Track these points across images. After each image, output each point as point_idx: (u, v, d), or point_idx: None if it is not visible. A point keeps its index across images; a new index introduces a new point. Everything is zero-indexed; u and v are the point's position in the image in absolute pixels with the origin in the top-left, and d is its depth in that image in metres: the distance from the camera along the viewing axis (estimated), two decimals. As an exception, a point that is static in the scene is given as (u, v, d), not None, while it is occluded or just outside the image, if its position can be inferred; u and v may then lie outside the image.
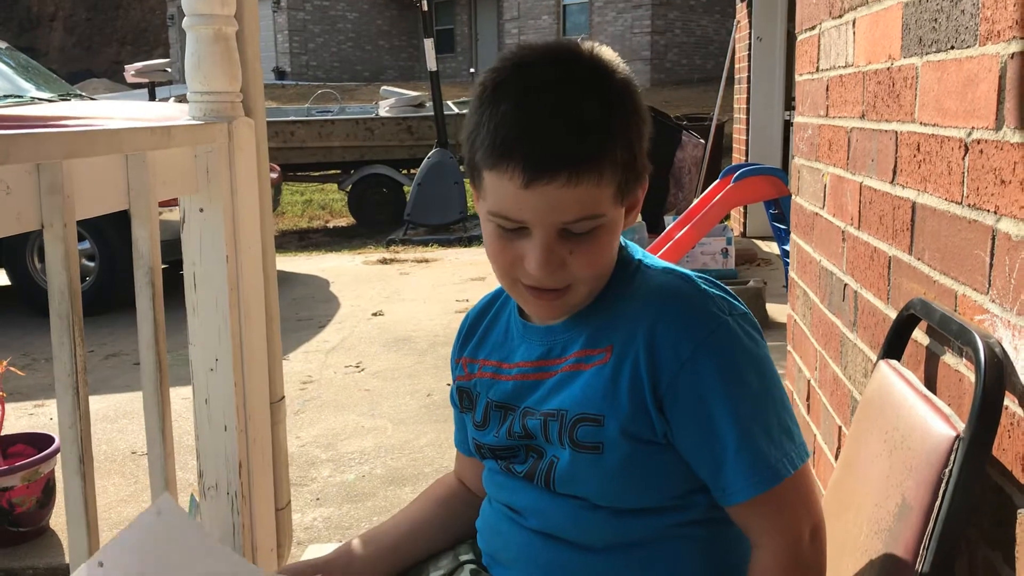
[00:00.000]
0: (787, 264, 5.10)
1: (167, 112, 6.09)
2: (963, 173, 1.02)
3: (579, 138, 0.90)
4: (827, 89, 1.70)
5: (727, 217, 5.90)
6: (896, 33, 1.27)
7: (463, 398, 1.15)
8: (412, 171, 8.85)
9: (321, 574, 1.20)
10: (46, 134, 1.14)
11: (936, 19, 1.11)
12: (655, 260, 1.06)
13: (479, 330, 1.16)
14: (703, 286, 0.99)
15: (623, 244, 1.06)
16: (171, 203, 1.64)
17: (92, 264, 5.40)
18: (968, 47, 1.01)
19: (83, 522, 1.24)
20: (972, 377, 0.97)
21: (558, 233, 0.93)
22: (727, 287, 1.01)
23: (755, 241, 6.74)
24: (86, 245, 5.38)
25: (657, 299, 0.98)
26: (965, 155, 1.02)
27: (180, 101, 9.20)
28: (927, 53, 1.15)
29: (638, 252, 1.07)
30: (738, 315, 0.97)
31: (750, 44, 6.73)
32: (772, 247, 6.32)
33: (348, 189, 9.34)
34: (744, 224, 7.02)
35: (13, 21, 28.56)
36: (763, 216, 6.07)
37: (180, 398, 2.38)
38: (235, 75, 1.65)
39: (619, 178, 0.94)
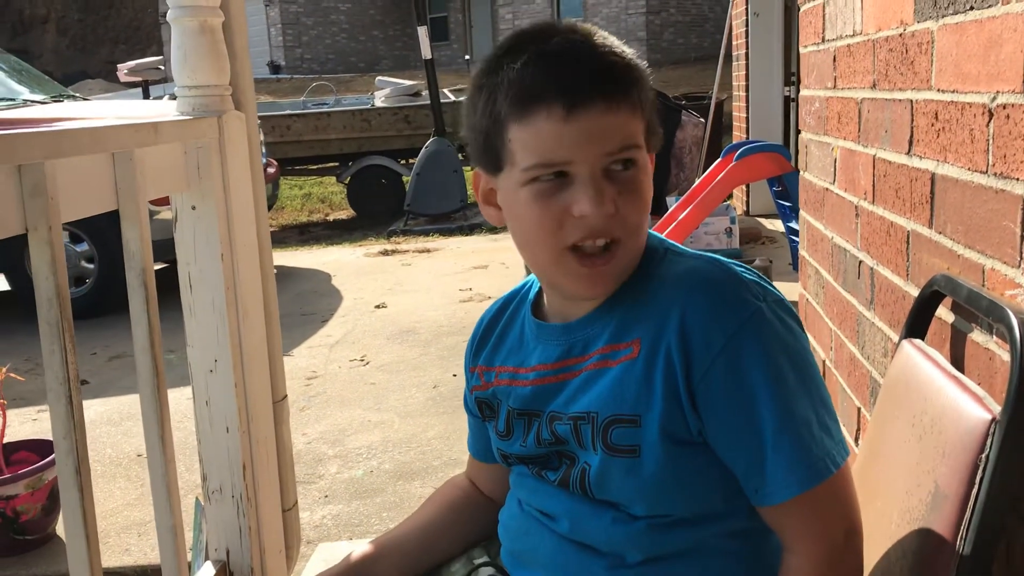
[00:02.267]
0: (793, 242, 5.05)
1: (160, 110, 6.04)
2: (988, 140, 0.97)
3: (607, 66, 0.89)
4: (834, 60, 1.64)
5: (730, 196, 5.84)
6: (908, -3, 1.21)
7: (482, 408, 1.10)
8: (410, 161, 8.79)
9: None
10: (26, 134, 1.10)
11: (953, -21, 1.06)
12: (683, 248, 1.00)
13: (493, 335, 1.11)
14: (734, 270, 0.93)
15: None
16: (166, 201, 1.60)
17: (92, 266, 5.36)
18: (990, 6, 0.96)
19: (82, 535, 1.20)
20: (1004, 355, 0.92)
21: (603, 172, 0.89)
22: (758, 272, 0.96)
23: (759, 219, 6.69)
24: (85, 247, 5.34)
25: (686, 285, 0.92)
26: (989, 121, 0.97)
27: (175, 99, 9.14)
28: (943, 16, 1.09)
29: (665, 241, 1.01)
30: (773, 301, 0.92)
31: (747, 20, 6.65)
32: (776, 225, 6.26)
33: (347, 181, 9.29)
34: (747, 203, 6.96)
35: (6, 24, 28.46)
36: (766, 194, 6.01)
37: (185, 398, 2.34)
38: (223, 68, 1.60)
39: (647, 116, 0.92)
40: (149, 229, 1.39)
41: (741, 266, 0.95)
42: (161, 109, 6.13)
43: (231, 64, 1.62)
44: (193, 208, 1.57)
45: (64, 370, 1.17)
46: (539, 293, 1.06)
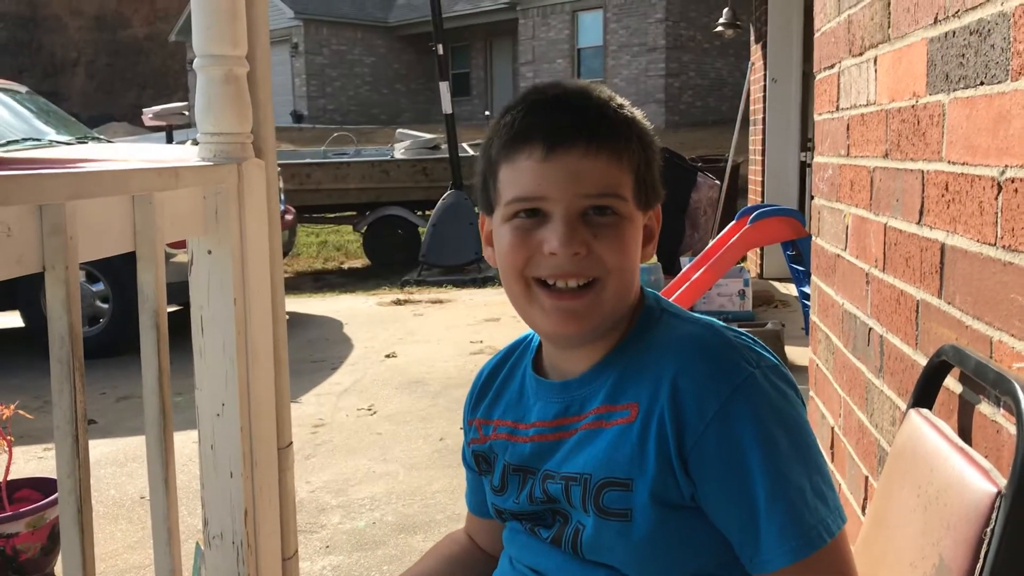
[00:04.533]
0: (805, 306, 5.05)
1: (183, 155, 6.13)
2: (996, 213, 0.98)
3: (596, 114, 0.93)
4: (848, 128, 1.66)
5: (743, 259, 5.85)
6: (921, 70, 1.23)
7: (479, 461, 1.10)
8: (427, 212, 8.87)
9: None
10: (49, 175, 1.12)
11: (963, 55, 1.07)
12: (680, 310, 1.01)
13: (492, 388, 1.11)
14: (728, 336, 0.93)
15: (643, 289, 1.02)
16: (183, 244, 1.62)
17: (106, 306, 5.40)
18: (999, 83, 0.97)
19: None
20: (1011, 428, 0.92)
21: (580, 214, 0.91)
22: (754, 337, 0.96)
23: (772, 283, 6.68)
24: (100, 286, 5.38)
25: (679, 350, 0.92)
26: (998, 194, 0.97)
27: (197, 143, 9.28)
28: (954, 90, 1.11)
29: (662, 301, 1.02)
30: (767, 367, 0.91)
31: (765, 85, 6.73)
32: (789, 289, 6.26)
33: (363, 230, 9.37)
34: (761, 266, 6.97)
35: (38, 67, 29.08)
36: (780, 257, 6.02)
37: (191, 441, 2.34)
38: (246, 116, 1.63)
39: (637, 170, 0.94)
40: (164, 272, 1.40)
41: (736, 331, 0.95)
42: (182, 154, 6.22)
43: (254, 112, 1.65)
44: (209, 252, 1.59)
45: (72, 409, 1.18)
46: (539, 347, 1.07)
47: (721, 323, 0.97)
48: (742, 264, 5.82)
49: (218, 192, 1.56)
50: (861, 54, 1.56)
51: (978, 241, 1.03)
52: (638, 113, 0.98)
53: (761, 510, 0.87)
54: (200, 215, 1.56)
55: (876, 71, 1.46)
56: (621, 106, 0.96)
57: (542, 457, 1.00)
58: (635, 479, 0.90)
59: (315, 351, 5.36)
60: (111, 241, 1.34)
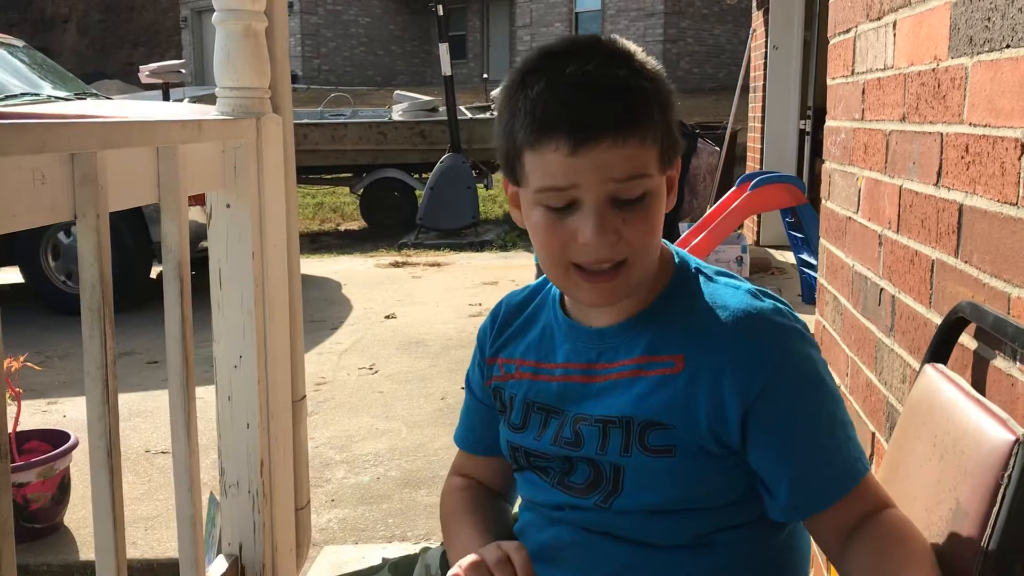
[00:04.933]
0: (803, 273, 5.08)
1: (182, 111, 6.10)
2: (1018, 173, 1.00)
3: (617, 99, 0.92)
4: (863, 92, 1.68)
5: (741, 226, 5.87)
6: (943, 34, 1.24)
7: (497, 398, 1.12)
8: (424, 175, 8.84)
9: None
10: (82, 123, 1.13)
11: (990, 18, 1.09)
12: (710, 267, 1.05)
13: (514, 326, 1.13)
14: (764, 297, 1.00)
15: (667, 246, 1.04)
16: (197, 201, 1.64)
17: (106, 263, 5.39)
18: (1026, 45, 0.99)
19: (110, 517, 1.22)
20: (1028, 381, 0.95)
21: (609, 200, 0.93)
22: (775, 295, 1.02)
23: (769, 250, 6.72)
24: (100, 244, 5.37)
25: (732, 315, 0.97)
26: (1021, 155, 1.00)
27: (194, 102, 9.22)
28: (978, 53, 1.12)
29: (689, 260, 1.06)
30: (801, 324, 0.99)
31: (766, 53, 6.71)
32: (786, 256, 6.29)
33: (360, 192, 9.33)
34: (758, 233, 7.00)
35: (27, 23, 28.69)
36: (777, 225, 6.04)
37: (197, 397, 2.37)
38: (264, 71, 1.64)
39: (660, 141, 0.94)
40: (188, 223, 1.42)
41: (769, 295, 1.01)
42: (184, 111, 6.19)
43: (272, 68, 1.65)
44: (228, 206, 1.60)
45: (103, 355, 1.20)
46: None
47: (746, 283, 1.02)
48: (739, 231, 5.84)
49: (237, 146, 1.58)
50: (880, 18, 1.57)
51: (999, 201, 1.06)
52: (652, 64, 0.97)
53: (822, 451, 0.94)
54: (219, 169, 1.57)
55: (895, 35, 1.48)
56: (641, 74, 0.94)
57: (570, 398, 1.03)
58: (677, 425, 0.96)
59: (315, 311, 5.38)
60: (136, 192, 1.36)
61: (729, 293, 1.00)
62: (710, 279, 1.03)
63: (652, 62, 0.97)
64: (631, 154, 0.91)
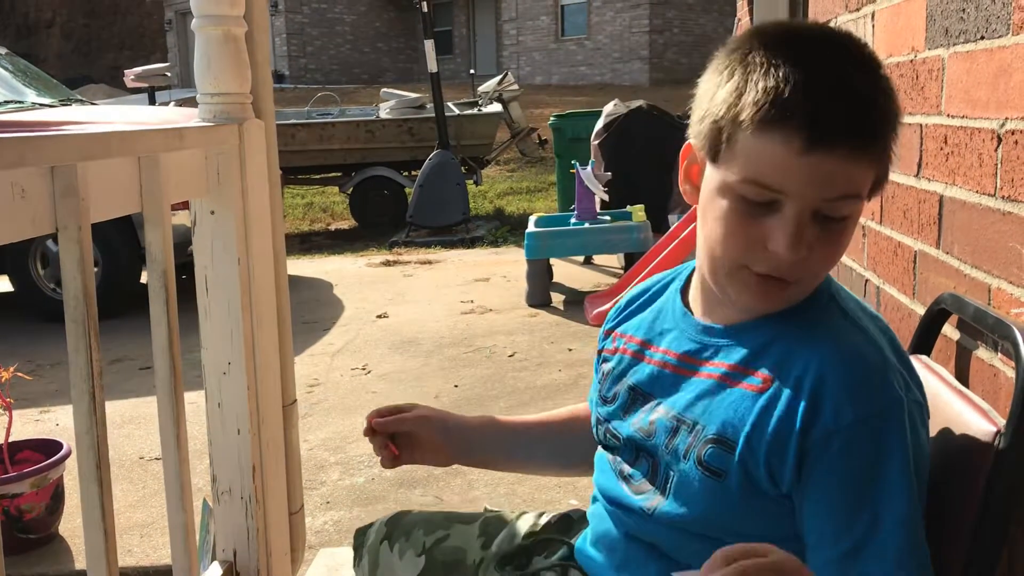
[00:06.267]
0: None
1: (167, 116, 6.08)
2: (996, 164, 1.01)
3: (868, 110, 0.84)
4: (844, 83, 1.68)
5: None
6: (920, 24, 1.25)
7: (602, 366, 1.11)
8: (413, 173, 8.83)
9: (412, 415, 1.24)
10: (61, 136, 1.13)
11: (964, 9, 1.09)
12: (850, 304, 0.96)
13: (635, 305, 1.11)
14: (888, 356, 0.90)
15: None
16: (176, 207, 1.63)
17: (96, 270, 5.38)
18: (1000, 36, 0.99)
19: (100, 529, 1.22)
20: (1008, 372, 0.96)
21: (812, 213, 0.85)
22: (912, 367, 0.93)
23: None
24: (89, 250, 5.36)
25: (836, 350, 0.88)
26: (998, 146, 1.00)
27: (180, 105, 9.19)
28: (954, 44, 1.13)
29: (833, 285, 0.97)
30: (913, 401, 0.89)
31: (751, 42, 6.71)
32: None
33: (349, 191, 9.32)
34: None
35: (11, 28, 28.55)
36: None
37: (188, 402, 2.36)
38: (245, 76, 1.63)
39: (880, 169, 0.88)
40: (171, 232, 1.42)
41: (899, 349, 0.93)
42: (169, 115, 6.17)
43: (252, 73, 1.65)
44: (212, 213, 1.60)
45: (88, 367, 1.20)
46: (690, 278, 1.05)
47: (887, 339, 0.93)
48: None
49: (220, 153, 1.57)
50: (858, 9, 1.57)
51: (977, 192, 1.06)
52: (894, 88, 0.89)
53: (865, 531, 0.84)
54: (203, 176, 1.57)
55: (874, 26, 1.48)
56: (887, 92, 0.87)
57: (661, 386, 0.99)
58: (738, 444, 0.89)
59: (306, 312, 5.37)
60: (119, 202, 1.35)
61: (853, 332, 0.91)
62: (845, 313, 0.94)
63: (891, 79, 0.90)
64: (856, 172, 0.84)
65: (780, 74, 0.83)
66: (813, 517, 0.87)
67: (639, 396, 1.02)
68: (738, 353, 0.94)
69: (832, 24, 1.79)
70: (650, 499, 0.97)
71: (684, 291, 1.04)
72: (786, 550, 0.77)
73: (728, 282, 0.92)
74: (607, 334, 1.13)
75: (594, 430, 1.09)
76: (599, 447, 1.10)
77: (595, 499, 1.09)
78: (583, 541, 1.10)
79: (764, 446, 0.88)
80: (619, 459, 1.03)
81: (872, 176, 0.87)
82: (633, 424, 1.01)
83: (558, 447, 1.24)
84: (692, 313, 1.01)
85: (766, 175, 0.85)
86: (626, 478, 1.01)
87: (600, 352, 1.13)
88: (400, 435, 1.23)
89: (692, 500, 0.92)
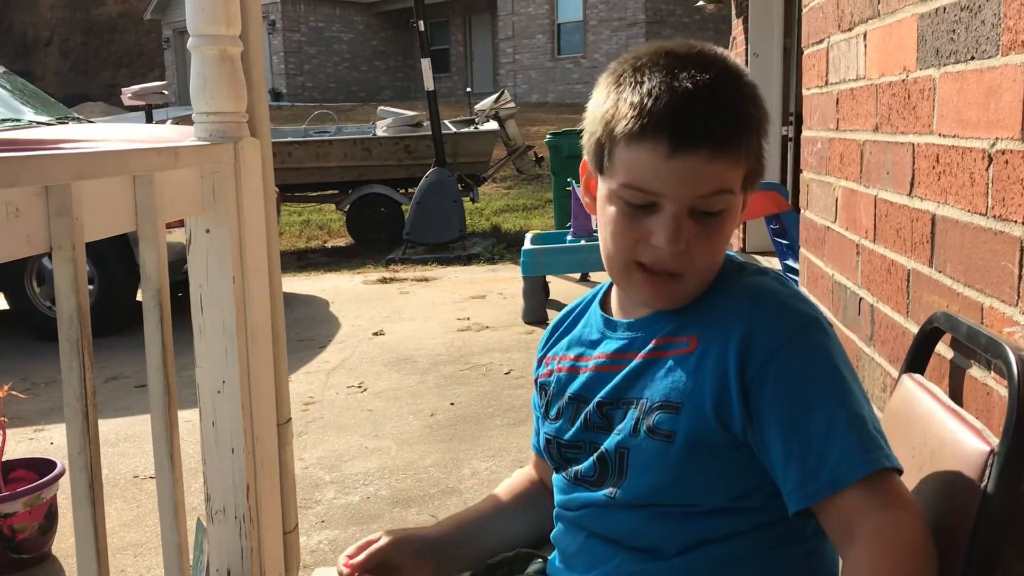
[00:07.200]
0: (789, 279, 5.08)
1: (164, 134, 6.09)
2: (987, 184, 1.01)
3: (724, 115, 0.94)
4: (837, 103, 1.69)
5: (727, 233, 5.88)
6: (911, 45, 1.26)
7: (542, 394, 1.15)
8: (410, 191, 8.85)
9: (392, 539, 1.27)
10: (55, 156, 1.13)
11: (954, 30, 1.10)
12: (745, 262, 1.06)
13: (562, 328, 1.17)
14: (792, 286, 1.00)
15: (729, 258, 1.06)
16: (173, 225, 1.63)
17: (91, 287, 5.37)
18: (990, 57, 1.00)
19: (93, 550, 1.22)
20: (1002, 391, 0.95)
21: (689, 210, 0.94)
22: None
23: (755, 256, 6.74)
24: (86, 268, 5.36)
25: (749, 295, 0.97)
26: (989, 166, 1.01)
27: (178, 123, 9.21)
28: (945, 64, 1.14)
29: (735, 260, 1.07)
30: (824, 318, 0.97)
31: (747, 60, 6.75)
32: (772, 262, 6.31)
33: (346, 209, 9.34)
34: (744, 239, 7.02)
35: (8, 46, 28.64)
36: (762, 231, 6.06)
37: (183, 421, 2.36)
38: (241, 95, 1.64)
39: (749, 166, 0.97)
40: (166, 251, 1.41)
41: (801, 294, 1.00)
42: (166, 133, 6.18)
43: (248, 92, 1.65)
44: (207, 231, 1.60)
45: (82, 387, 1.20)
46: (609, 290, 1.12)
47: (785, 279, 1.02)
48: (725, 238, 5.84)
49: (215, 171, 1.58)
50: (851, 29, 1.58)
51: (969, 211, 1.07)
52: (757, 91, 0.99)
53: (825, 431, 0.88)
54: (198, 194, 1.57)
55: (866, 46, 1.49)
56: (746, 96, 0.97)
57: (600, 385, 1.04)
58: (684, 404, 0.95)
59: (302, 330, 5.37)
60: (114, 221, 1.35)
61: (756, 280, 1.00)
62: (742, 267, 1.03)
63: (757, 88, 1.00)
64: (723, 170, 0.94)
65: (645, 89, 0.94)
66: (773, 445, 0.91)
67: (582, 402, 1.06)
68: (663, 329, 1.01)
69: (823, 43, 1.80)
70: (609, 487, 1.01)
71: (604, 301, 1.12)
72: (742, 511, 0.93)
73: (623, 279, 1.02)
74: (539, 362, 1.18)
75: (546, 456, 1.13)
76: (554, 472, 1.13)
77: (558, 519, 1.11)
78: (552, 560, 1.13)
79: (709, 397, 0.94)
80: (573, 468, 1.06)
81: (742, 171, 0.96)
82: (585, 425, 1.04)
83: (537, 511, 1.24)
84: (616, 318, 1.08)
85: (642, 180, 0.95)
86: (583, 480, 1.04)
87: (536, 380, 1.17)
88: (380, 567, 1.26)
89: (649, 470, 0.97)
